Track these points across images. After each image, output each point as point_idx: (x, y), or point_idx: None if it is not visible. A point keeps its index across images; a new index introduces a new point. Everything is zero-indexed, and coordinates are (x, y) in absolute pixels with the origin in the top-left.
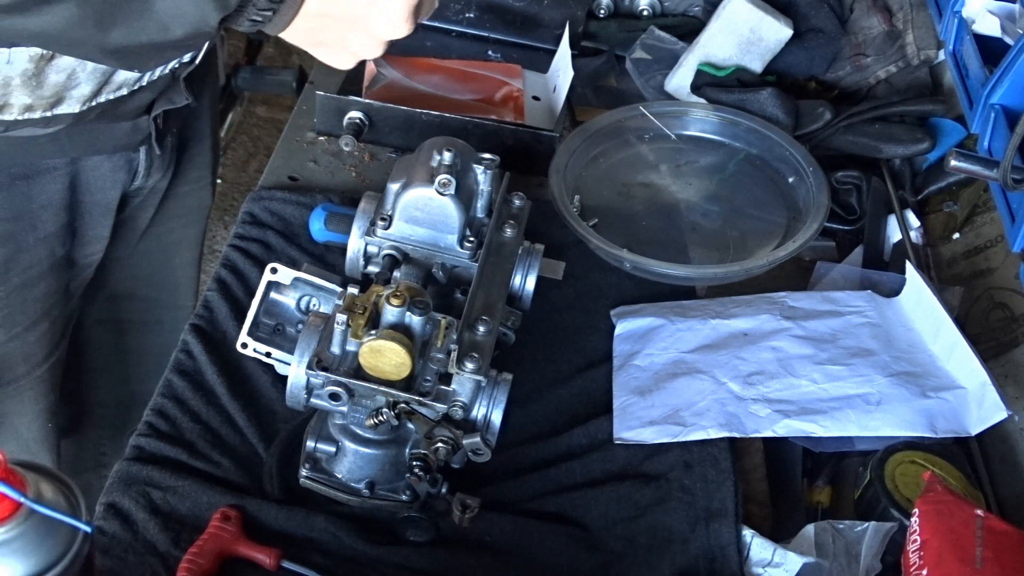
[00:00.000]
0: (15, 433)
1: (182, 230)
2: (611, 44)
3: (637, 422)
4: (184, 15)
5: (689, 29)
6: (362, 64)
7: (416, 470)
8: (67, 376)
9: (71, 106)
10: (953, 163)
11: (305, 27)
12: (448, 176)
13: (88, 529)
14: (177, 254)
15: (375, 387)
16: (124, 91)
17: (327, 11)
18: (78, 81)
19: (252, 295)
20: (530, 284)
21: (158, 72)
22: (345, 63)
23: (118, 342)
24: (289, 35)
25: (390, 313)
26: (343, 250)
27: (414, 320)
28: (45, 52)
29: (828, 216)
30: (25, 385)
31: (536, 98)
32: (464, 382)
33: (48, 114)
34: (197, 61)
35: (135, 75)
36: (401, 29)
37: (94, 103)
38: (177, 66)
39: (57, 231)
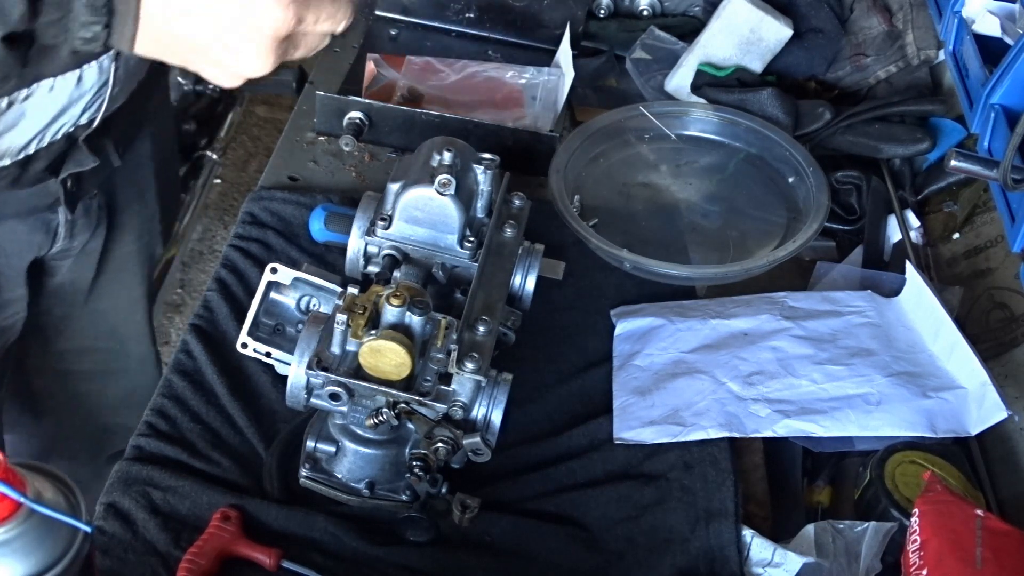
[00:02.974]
0: None
1: (133, 287)
2: (611, 44)
3: (637, 422)
4: None
5: (689, 29)
6: (362, 64)
7: (416, 470)
8: (26, 418)
9: None
10: (953, 163)
11: (153, 49)
12: (448, 176)
13: (88, 529)
14: (128, 306)
15: (375, 387)
16: (7, 161)
17: (172, 34)
18: None
19: (252, 295)
20: (530, 284)
21: (48, 138)
22: (221, 83)
23: (80, 389)
24: (141, 52)
25: (390, 313)
26: (343, 250)
27: (414, 320)
28: None
29: (828, 216)
30: None
31: (536, 98)
32: (464, 382)
33: None
34: (95, 124)
35: (18, 144)
36: (256, 66)
37: None
38: (72, 129)
39: None
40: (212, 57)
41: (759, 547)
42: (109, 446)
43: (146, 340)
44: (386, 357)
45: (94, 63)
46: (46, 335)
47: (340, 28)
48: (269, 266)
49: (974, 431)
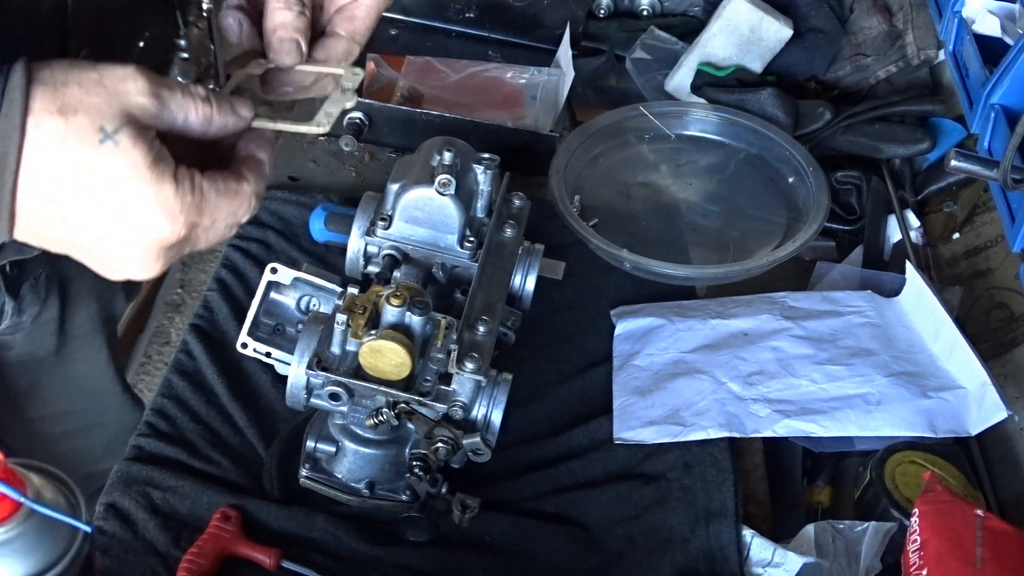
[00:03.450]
0: None
1: (100, 348)
2: (611, 44)
3: (637, 422)
4: None
5: (689, 29)
6: (362, 64)
7: (416, 470)
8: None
9: None
10: (953, 163)
11: (36, 242)
12: (448, 176)
13: (88, 529)
14: (98, 365)
15: (375, 387)
16: None
17: (52, 234)
18: None
19: (252, 295)
20: (530, 284)
21: None
22: (109, 277)
23: (61, 449)
24: (24, 241)
25: (390, 313)
26: (343, 250)
27: (414, 320)
28: None
29: (828, 216)
30: None
31: (536, 98)
32: (464, 382)
33: None
34: None
35: None
36: (142, 273)
37: None
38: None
39: None
40: (95, 257)
41: (759, 547)
42: (94, 484)
43: (120, 388)
44: (386, 357)
45: None
46: (18, 405)
47: (244, 220)
48: (269, 266)
49: (974, 431)
